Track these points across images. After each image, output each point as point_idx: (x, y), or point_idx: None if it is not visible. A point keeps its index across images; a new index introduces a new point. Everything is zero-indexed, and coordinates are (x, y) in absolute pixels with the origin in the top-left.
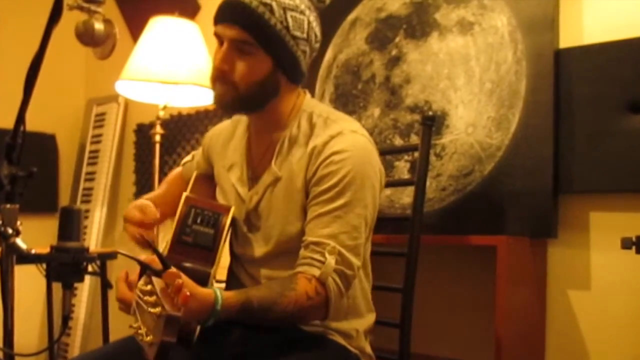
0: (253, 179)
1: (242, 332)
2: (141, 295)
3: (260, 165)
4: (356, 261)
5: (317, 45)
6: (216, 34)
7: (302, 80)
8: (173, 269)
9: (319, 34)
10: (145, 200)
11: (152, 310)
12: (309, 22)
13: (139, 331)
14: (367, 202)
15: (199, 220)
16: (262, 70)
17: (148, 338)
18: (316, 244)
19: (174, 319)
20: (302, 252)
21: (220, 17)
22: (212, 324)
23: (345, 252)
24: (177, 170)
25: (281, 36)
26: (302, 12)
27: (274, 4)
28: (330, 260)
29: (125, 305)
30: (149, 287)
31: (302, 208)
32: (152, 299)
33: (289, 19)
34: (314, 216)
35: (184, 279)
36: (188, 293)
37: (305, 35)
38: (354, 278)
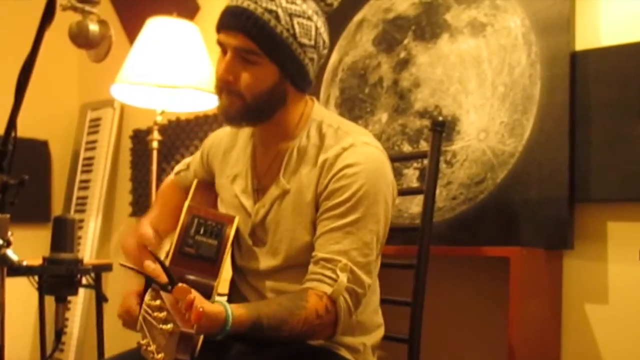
0: (259, 191)
1: (244, 346)
2: (149, 311)
3: (266, 176)
4: (367, 279)
5: (325, 51)
6: (219, 42)
7: (310, 88)
8: (183, 285)
9: (327, 39)
10: (145, 231)
11: (163, 327)
12: (316, 28)
13: (149, 348)
14: (379, 217)
15: (202, 231)
16: (268, 80)
17: (159, 356)
18: (327, 260)
19: (187, 336)
20: (312, 267)
21: (223, 25)
22: (219, 339)
23: (357, 269)
24: (169, 179)
25: (288, 44)
26: (309, 18)
27: (279, 10)
28: (343, 277)
29: (130, 317)
30: (157, 302)
31: (311, 222)
32: (163, 315)
33: (296, 26)
34: (325, 231)
35: (195, 294)
36: (201, 309)
37: (313, 42)
38: (364, 297)
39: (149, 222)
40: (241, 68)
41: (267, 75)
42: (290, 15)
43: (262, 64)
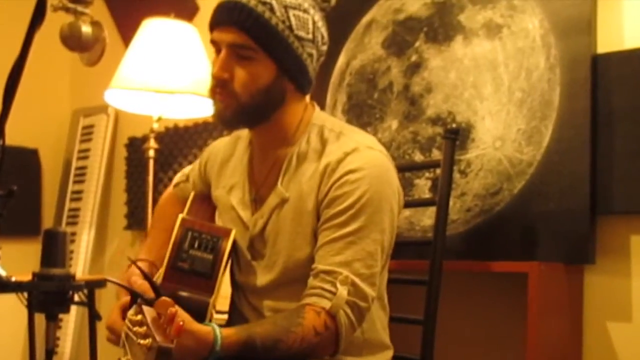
0: (257, 201)
1: None
2: (130, 326)
3: (264, 185)
4: (371, 292)
5: (325, 47)
6: (213, 41)
7: (310, 87)
8: (165, 298)
9: (325, 35)
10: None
11: (142, 341)
12: (314, 22)
13: None
14: (384, 226)
15: (196, 245)
16: (265, 77)
17: None
18: (327, 272)
19: (165, 351)
20: (311, 281)
21: (216, 21)
22: None
23: (359, 281)
24: (168, 192)
25: (284, 37)
26: (305, 11)
27: (274, 2)
28: (342, 291)
29: (114, 335)
30: (139, 317)
31: (312, 232)
32: (143, 329)
33: (292, 18)
34: (326, 241)
35: (177, 308)
36: (182, 322)
37: (310, 36)
38: (368, 310)
39: (144, 257)
40: (236, 65)
41: (264, 72)
42: (286, 7)
43: (258, 60)
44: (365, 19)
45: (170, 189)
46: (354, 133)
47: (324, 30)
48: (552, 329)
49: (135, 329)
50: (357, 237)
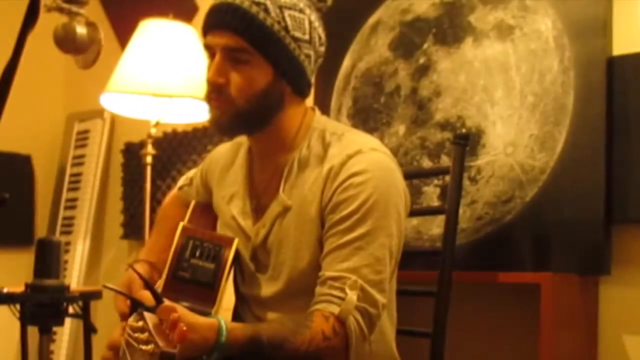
0: (258, 210)
1: None
2: (131, 333)
3: (265, 193)
4: (381, 298)
5: (322, 49)
6: (206, 46)
7: (309, 90)
8: (167, 302)
9: (323, 35)
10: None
11: (144, 347)
12: (310, 22)
13: None
14: (391, 230)
15: (197, 254)
16: (262, 80)
17: None
18: (335, 279)
19: (168, 356)
20: (319, 288)
21: (209, 25)
22: (216, 358)
23: (369, 287)
24: (173, 194)
25: (280, 38)
26: (301, 11)
27: (268, 2)
28: (352, 295)
29: (114, 352)
30: (140, 323)
31: (317, 239)
32: (144, 336)
33: (287, 19)
34: (332, 248)
35: (181, 311)
36: (185, 328)
37: (307, 37)
38: (379, 318)
39: (144, 258)
40: (232, 69)
41: (260, 75)
42: (281, 8)
43: (253, 63)
44: (371, 20)
45: (174, 190)
46: (356, 135)
47: (320, 30)
48: (566, 342)
49: (136, 335)
50: (364, 242)
